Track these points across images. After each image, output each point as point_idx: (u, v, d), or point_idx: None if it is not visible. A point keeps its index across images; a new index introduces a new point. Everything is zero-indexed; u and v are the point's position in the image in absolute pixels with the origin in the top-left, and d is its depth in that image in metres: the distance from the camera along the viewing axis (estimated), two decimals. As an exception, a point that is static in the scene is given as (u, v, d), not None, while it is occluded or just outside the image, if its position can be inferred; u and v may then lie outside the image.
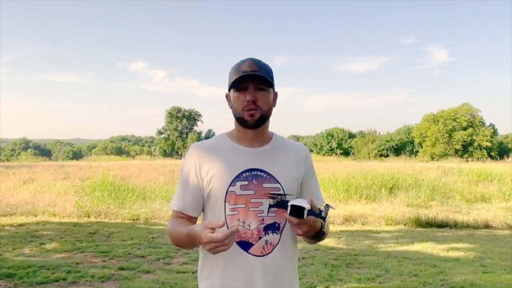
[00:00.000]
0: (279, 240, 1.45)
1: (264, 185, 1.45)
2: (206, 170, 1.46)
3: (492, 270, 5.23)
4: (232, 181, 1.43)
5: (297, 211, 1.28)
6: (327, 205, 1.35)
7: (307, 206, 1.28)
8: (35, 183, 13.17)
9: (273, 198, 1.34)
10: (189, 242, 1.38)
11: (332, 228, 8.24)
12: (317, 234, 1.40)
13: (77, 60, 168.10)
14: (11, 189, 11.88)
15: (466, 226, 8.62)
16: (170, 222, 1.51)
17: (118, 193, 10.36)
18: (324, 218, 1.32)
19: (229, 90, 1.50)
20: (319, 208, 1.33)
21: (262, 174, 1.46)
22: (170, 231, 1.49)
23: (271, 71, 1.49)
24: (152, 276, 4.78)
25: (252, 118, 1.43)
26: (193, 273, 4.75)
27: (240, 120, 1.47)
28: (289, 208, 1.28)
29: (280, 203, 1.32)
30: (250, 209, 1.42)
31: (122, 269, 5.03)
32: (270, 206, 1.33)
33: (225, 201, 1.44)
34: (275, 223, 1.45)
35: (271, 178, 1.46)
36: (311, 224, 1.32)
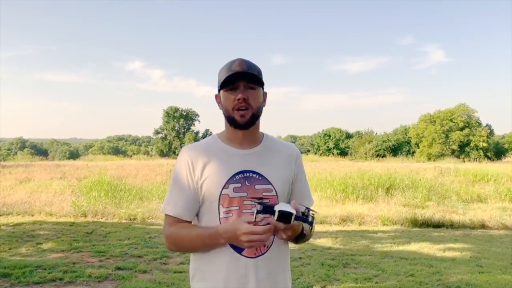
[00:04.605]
0: (272, 240, 1.45)
1: (257, 186, 1.44)
2: (199, 172, 1.45)
3: (488, 270, 5.25)
4: (226, 183, 1.43)
5: (284, 216, 1.30)
6: (307, 208, 1.36)
7: (294, 212, 1.30)
8: (32, 183, 13.16)
9: (260, 203, 1.34)
10: (206, 243, 1.40)
11: (329, 228, 8.26)
12: (298, 237, 1.43)
13: (74, 59, 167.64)
14: (8, 189, 11.86)
15: (463, 226, 8.64)
16: (175, 227, 1.46)
17: (115, 193, 10.36)
18: (311, 223, 1.34)
19: (219, 91, 1.49)
20: (302, 213, 1.36)
21: (254, 175, 1.45)
22: (178, 234, 1.45)
23: (261, 70, 1.49)
24: (149, 276, 4.77)
25: (243, 118, 1.42)
26: (190, 273, 4.74)
27: (230, 120, 1.45)
28: (276, 214, 1.30)
29: (267, 208, 1.33)
30: (243, 211, 1.41)
31: (119, 269, 5.02)
32: (258, 211, 1.32)
33: (219, 204, 1.43)
34: (268, 224, 1.46)
35: (263, 179, 1.46)
36: (295, 228, 1.37)
